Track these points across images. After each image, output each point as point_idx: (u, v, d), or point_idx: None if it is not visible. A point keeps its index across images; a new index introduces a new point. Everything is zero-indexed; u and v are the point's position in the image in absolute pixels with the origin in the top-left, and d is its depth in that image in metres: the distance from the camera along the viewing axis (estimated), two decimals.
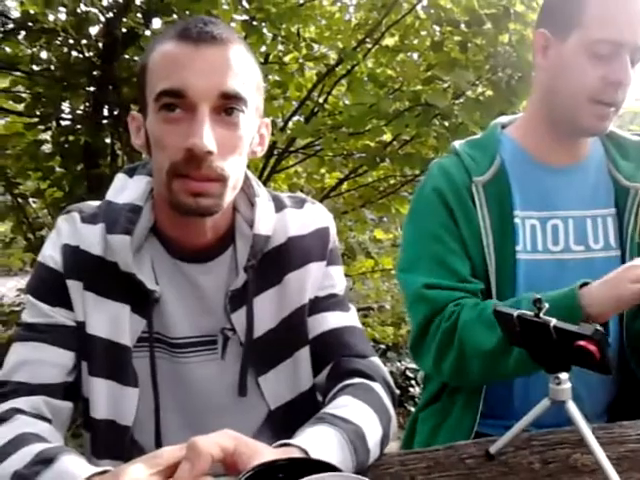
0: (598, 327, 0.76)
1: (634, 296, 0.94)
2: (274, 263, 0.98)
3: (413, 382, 3.70)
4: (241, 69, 0.87)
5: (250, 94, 0.88)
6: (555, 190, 1.20)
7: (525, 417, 0.89)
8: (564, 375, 0.84)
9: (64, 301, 0.92)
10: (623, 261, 1.19)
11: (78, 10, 2.76)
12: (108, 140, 3.11)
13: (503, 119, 1.31)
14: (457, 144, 1.26)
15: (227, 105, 0.86)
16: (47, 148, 3.26)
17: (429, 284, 1.15)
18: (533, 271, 1.17)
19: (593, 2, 1.09)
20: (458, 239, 1.17)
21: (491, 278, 1.16)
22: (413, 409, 3.04)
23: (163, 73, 0.85)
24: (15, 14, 2.89)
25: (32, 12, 2.74)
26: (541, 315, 0.81)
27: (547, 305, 0.81)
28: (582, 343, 0.76)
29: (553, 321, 0.80)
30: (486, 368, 1.09)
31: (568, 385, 0.84)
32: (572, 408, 0.84)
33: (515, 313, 0.84)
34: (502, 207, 1.18)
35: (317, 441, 0.76)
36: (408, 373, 3.80)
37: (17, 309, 4.13)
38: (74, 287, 0.92)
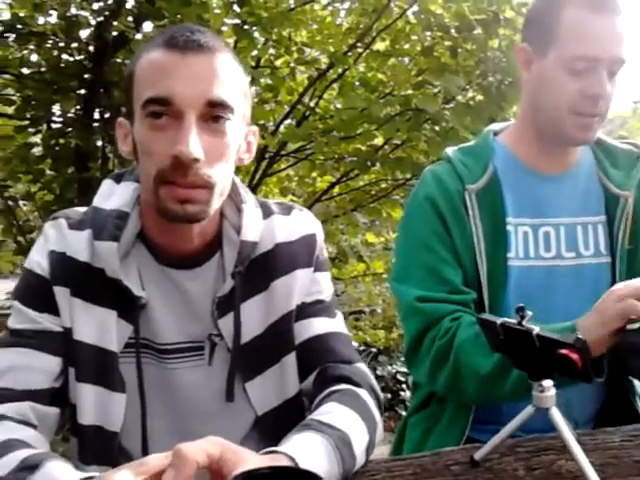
0: (580, 335, 0.77)
1: (621, 315, 0.94)
2: (261, 269, 0.98)
3: (404, 386, 3.71)
4: (228, 77, 0.88)
5: (237, 102, 0.89)
6: (546, 197, 1.21)
7: (509, 424, 0.90)
8: (547, 382, 0.85)
9: (51, 307, 0.92)
10: (613, 268, 1.21)
11: (68, 13, 2.75)
12: (99, 143, 3.11)
13: (495, 126, 1.32)
14: (450, 151, 1.27)
15: (214, 113, 0.86)
16: (37, 151, 3.25)
17: (422, 297, 1.15)
18: (525, 278, 1.17)
19: (567, 19, 1.11)
20: (450, 247, 1.17)
21: (483, 285, 1.16)
22: (404, 413, 3.06)
23: (150, 81, 0.86)
24: (5, 16, 2.88)
25: (22, 15, 2.73)
26: (524, 323, 0.82)
27: (530, 313, 0.82)
28: (564, 351, 0.77)
29: (536, 329, 0.81)
30: (482, 390, 1.09)
31: (552, 392, 0.85)
32: (556, 415, 0.84)
33: (498, 321, 0.85)
34: (495, 214, 1.18)
35: (304, 448, 0.76)
36: (399, 377, 3.81)
37: (7, 312, 4.11)
38: (61, 293, 0.92)
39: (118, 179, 0.99)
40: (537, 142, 1.22)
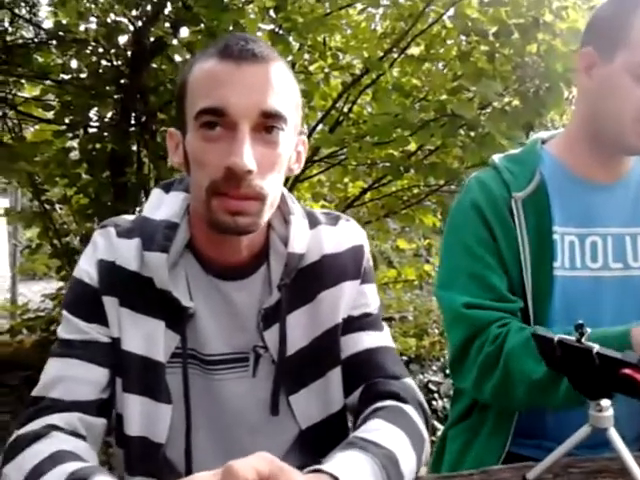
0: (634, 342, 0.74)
1: None
2: (307, 281, 0.97)
3: (436, 395, 3.67)
4: (281, 87, 0.87)
5: (290, 112, 0.88)
6: (595, 207, 1.19)
7: (565, 443, 0.87)
8: (606, 402, 0.82)
9: (99, 317, 0.92)
10: None
11: (108, 20, 2.79)
12: (134, 148, 3.14)
13: (543, 134, 1.30)
14: (496, 158, 1.25)
15: (267, 123, 0.85)
16: (74, 155, 3.30)
17: (468, 303, 1.13)
18: (570, 288, 1.15)
19: (639, 24, 1.08)
20: (496, 254, 1.16)
21: (527, 295, 1.14)
22: (435, 422, 3.02)
23: (204, 91, 0.85)
24: (47, 24, 2.94)
25: (64, 22, 2.78)
26: (583, 341, 0.79)
27: (589, 330, 0.80)
28: (627, 371, 0.74)
29: (596, 347, 0.78)
30: (532, 397, 1.07)
31: (610, 412, 0.82)
32: (614, 435, 0.82)
33: (556, 338, 0.82)
34: (541, 223, 1.16)
35: (349, 468, 0.74)
36: (431, 386, 3.77)
37: (42, 314, 4.19)
38: (110, 303, 0.92)
39: (167, 189, 0.99)
40: (591, 151, 1.19)
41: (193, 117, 0.86)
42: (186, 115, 0.88)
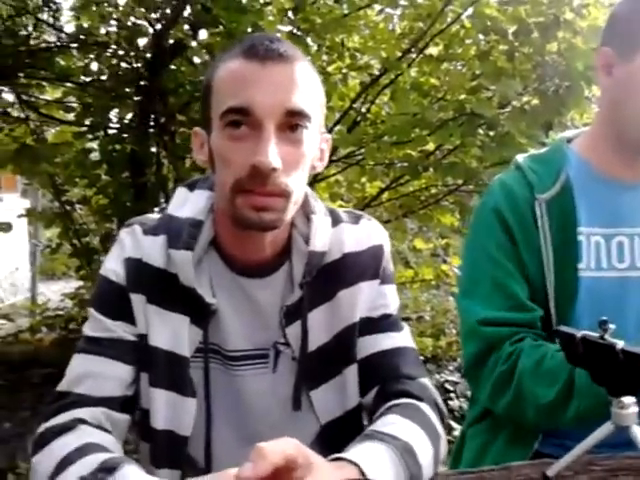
0: None
1: None
2: (328, 278, 0.98)
3: (452, 395, 3.65)
4: (306, 86, 0.88)
5: (314, 110, 0.89)
6: (622, 207, 1.17)
7: (586, 440, 0.87)
8: (629, 399, 0.82)
9: (126, 315, 0.93)
10: None
11: (128, 23, 2.82)
12: (154, 149, 3.17)
13: (568, 133, 1.29)
14: (520, 158, 1.24)
15: (292, 122, 0.86)
16: (94, 156, 3.34)
17: (484, 320, 1.13)
18: (596, 289, 1.14)
19: None
20: (516, 261, 1.15)
21: (550, 298, 1.13)
22: (452, 422, 3.01)
23: (230, 91, 0.86)
24: (69, 28, 2.99)
25: (85, 26, 2.82)
26: (606, 337, 0.79)
27: (613, 326, 0.79)
28: None
29: (620, 343, 0.78)
30: (543, 418, 1.08)
31: (633, 409, 0.82)
32: (637, 433, 0.81)
33: (579, 334, 0.82)
34: (566, 224, 1.15)
35: (370, 456, 0.75)
36: (447, 386, 3.75)
37: (61, 313, 4.24)
38: (137, 300, 0.93)
39: (191, 187, 1.00)
40: (615, 150, 1.18)
41: (219, 116, 0.87)
42: (211, 114, 0.89)
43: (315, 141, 0.92)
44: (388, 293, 1.02)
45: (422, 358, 4.01)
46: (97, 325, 0.94)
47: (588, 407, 1.00)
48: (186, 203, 0.97)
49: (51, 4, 2.85)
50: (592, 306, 1.11)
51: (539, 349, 1.08)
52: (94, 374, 0.91)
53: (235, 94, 0.85)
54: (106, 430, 0.88)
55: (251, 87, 0.84)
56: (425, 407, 0.93)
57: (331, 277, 0.98)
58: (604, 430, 0.85)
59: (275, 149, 0.84)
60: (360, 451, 0.77)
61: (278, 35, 0.94)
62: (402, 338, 1.02)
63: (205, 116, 0.91)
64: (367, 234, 1.02)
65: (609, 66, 1.14)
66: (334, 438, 0.94)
